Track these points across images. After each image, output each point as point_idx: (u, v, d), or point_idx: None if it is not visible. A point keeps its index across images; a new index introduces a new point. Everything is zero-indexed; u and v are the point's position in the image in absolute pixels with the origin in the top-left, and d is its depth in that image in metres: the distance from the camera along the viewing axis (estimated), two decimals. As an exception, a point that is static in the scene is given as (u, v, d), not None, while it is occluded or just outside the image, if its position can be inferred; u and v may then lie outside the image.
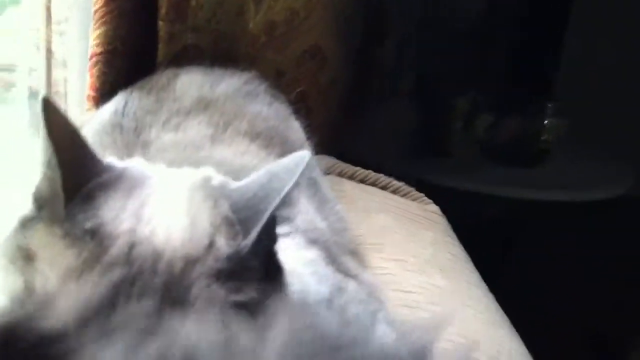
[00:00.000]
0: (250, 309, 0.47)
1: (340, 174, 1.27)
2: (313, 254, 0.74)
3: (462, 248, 1.23)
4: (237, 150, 0.84)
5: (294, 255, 0.67)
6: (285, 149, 0.90)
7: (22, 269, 0.47)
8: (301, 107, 1.20)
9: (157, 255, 0.47)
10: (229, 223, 0.51)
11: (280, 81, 1.19)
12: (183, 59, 1.11)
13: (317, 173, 0.98)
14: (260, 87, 0.99)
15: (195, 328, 0.44)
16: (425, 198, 1.28)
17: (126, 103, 0.91)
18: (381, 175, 1.29)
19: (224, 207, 0.52)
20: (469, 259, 1.22)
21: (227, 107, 0.90)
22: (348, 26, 1.28)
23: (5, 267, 0.48)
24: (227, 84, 0.95)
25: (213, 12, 1.09)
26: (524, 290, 1.84)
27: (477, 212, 1.94)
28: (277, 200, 0.50)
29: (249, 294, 0.48)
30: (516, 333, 1.09)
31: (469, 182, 1.88)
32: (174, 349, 0.42)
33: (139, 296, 0.45)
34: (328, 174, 1.26)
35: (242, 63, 1.11)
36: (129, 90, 0.96)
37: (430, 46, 1.89)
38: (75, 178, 0.50)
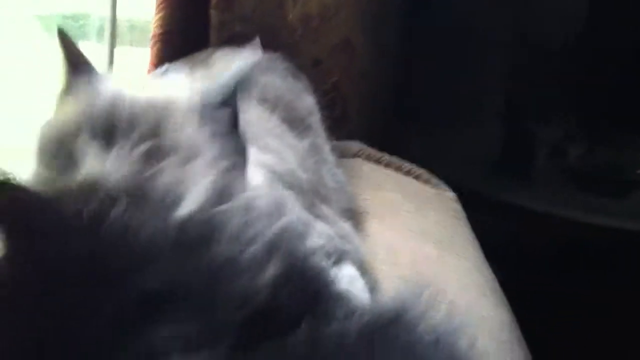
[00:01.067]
0: None
1: (367, 158, 1.39)
2: (284, 193, 0.84)
3: (471, 232, 1.31)
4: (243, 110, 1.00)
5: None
6: (290, 114, 1.05)
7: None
8: (336, 96, 1.35)
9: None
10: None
11: (316, 70, 1.33)
12: (232, 45, 1.29)
13: (320, 136, 1.11)
14: (280, 64, 1.15)
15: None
16: (444, 185, 1.37)
17: (167, 69, 1.10)
18: (405, 162, 1.40)
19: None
20: (476, 242, 1.29)
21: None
22: (377, 23, 1.40)
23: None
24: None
25: (257, 4, 1.26)
26: (609, 315, 1.82)
27: (559, 236, 1.97)
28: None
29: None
30: (507, 307, 1.16)
31: (553, 206, 1.91)
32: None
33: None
34: (355, 157, 1.40)
35: (283, 52, 1.28)
36: (176, 63, 1.15)
37: (522, 68, 1.94)
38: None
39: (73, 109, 0.64)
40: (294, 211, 0.79)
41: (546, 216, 1.90)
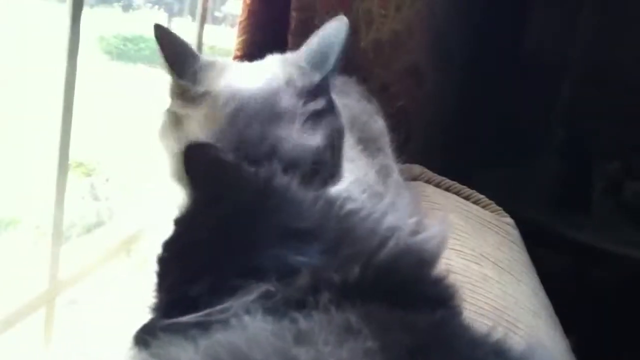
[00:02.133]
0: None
1: (428, 181, 1.44)
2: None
3: (528, 258, 1.34)
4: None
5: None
6: (364, 134, 1.11)
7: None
8: (401, 120, 1.41)
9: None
10: (302, 71, 0.82)
11: (384, 94, 1.40)
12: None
13: (389, 157, 1.17)
14: (354, 88, 1.21)
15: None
16: (503, 211, 1.41)
17: None
18: (465, 187, 1.44)
19: (297, 61, 0.84)
20: (533, 267, 1.33)
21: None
22: (446, 51, 1.46)
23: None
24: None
25: (332, 30, 1.32)
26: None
27: (614, 272, 1.99)
28: (338, 47, 0.84)
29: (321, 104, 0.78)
30: (562, 333, 1.19)
31: (608, 242, 1.94)
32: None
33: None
34: (416, 180, 1.45)
35: (355, 76, 1.34)
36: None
37: (586, 104, 1.99)
38: (180, 64, 0.81)
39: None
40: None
41: (604, 252, 1.91)
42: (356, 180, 0.84)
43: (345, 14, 1.35)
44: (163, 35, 0.83)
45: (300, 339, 0.48)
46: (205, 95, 0.78)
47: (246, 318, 0.50)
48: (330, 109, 0.84)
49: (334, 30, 0.88)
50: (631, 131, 2.03)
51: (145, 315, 0.56)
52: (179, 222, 0.63)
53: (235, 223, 0.59)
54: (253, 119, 0.75)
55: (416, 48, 1.40)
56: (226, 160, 0.65)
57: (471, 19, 1.68)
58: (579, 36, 1.96)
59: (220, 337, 0.48)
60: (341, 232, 0.59)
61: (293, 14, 1.28)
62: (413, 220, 0.94)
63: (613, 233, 1.97)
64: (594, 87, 1.96)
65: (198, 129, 0.75)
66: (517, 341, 0.65)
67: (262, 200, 0.60)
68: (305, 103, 0.78)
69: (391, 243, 0.57)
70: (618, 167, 2.09)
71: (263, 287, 0.52)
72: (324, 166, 0.75)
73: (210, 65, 0.84)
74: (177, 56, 0.82)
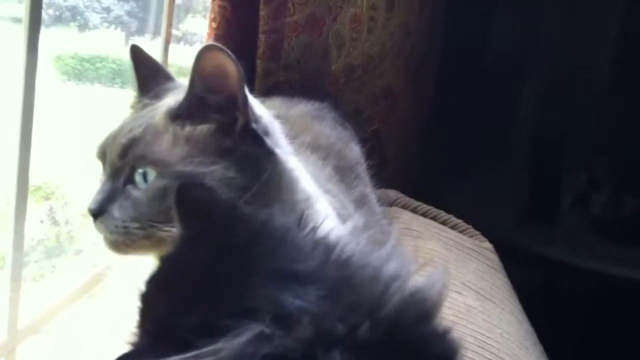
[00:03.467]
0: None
1: (404, 207, 1.41)
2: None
3: (509, 284, 1.31)
4: (299, 157, 1.02)
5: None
6: (340, 163, 1.07)
7: None
8: (375, 144, 1.37)
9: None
10: None
11: (357, 119, 1.36)
12: (275, 93, 1.32)
13: (367, 185, 1.13)
14: (329, 114, 1.18)
15: None
16: (481, 236, 1.38)
17: None
18: (442, 211, 1.41)
19: None
20: (514, 292, 1.30)
21: (297, 124, 1.08)
22: (418, 71, 1.43)
23: None
24: (300, 107, 1.14)
25: (302, 54, 1.29)
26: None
27: (582, 286, 1.97)
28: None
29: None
30: (545, 357, 1.16)
31: (577, 256, 1.91)
32: None
33: None
34: (392, 205, 1.41)
35: (326, 100, 1.31)
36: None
37: (551, 116, 1.96)
38: (147, 82, 0.81)
39: None
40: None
41: (572, 266, 1.90)
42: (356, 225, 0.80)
43: (316, 37, 1.33)
44: (137, 55, 0.83)
45: None
46: (147, 107, 0.78)
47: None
48: (226, 144, 0.76)
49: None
50: (597, 143, 2.02)
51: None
52: (166, 258, 0.58)
53: (227, 261, 0.54)
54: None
55: (389, 71, 1.37)
56: (221, 200, 0.60)
57: (441, 36, 1.66)
58: (542, 47, 1.96)
59: None
60: (341, 279, 0.54)
61: (261, 37, 1.24)
62: (414, 267, 0.90)
63: (581, 247, 1.96)
64: (558, 99, 1.96)
65: None
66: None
67: (258, 240, 0.56)
68: (178, 123, 0.74)
69: (394, 293, 0.53)
70: (585, 180, 2.08)
71: (256, 329, 0.47)
72: None
73: (175, 87, 0.81)
74: (147, 76, 0.83)
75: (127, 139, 0.73)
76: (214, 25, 1.23)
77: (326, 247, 0.56)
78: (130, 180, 0.72)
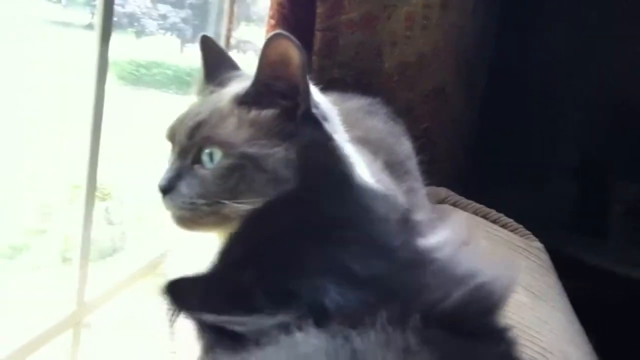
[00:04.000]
0: None
1: (454, 204, 1.42)
2: None
3: (560, 283, 1.31)
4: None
5: None
6: (390, 157, 1.09)
7: None
8: (426, 142, 1.39)
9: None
10: None
11: (409, 116, 1.38)
12: (329, 89, 1.35)
13: (417, 180, 1.15)
14: (381, 109, 1.20)
15: None
16: (532, 235, 1.38)
17: None
18: (493, 210, 1.41)
19: None
20: (564, 292, 1.30)
21: (349, 118, 1.11)
22: (469, 71, 1.44)
23: None
24: (354, 102, 1.17)
25: (356, 51, 1.32)
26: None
27: (632, 297, 1.95)
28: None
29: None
30: (593, 356, 1.16)
31: (626, 266, 1.90)
32: None
33: None
34: (443, 203, 1.42)
35: (379, 97, 1.33)
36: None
37: (601, 125, 1.97)
38: (213, 70, 0.85)
39: None
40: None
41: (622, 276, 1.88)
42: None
43: (370, 35, 1.36)
44: (207, 45, 0.88)
45: (355, 358, 0.46)
46: (213, 93, 0.82)
47: (298, 335, 0.48)
48: (288, 127, 0.79)
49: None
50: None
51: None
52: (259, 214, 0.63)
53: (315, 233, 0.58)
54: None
55: (441, 69, 1.38)
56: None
57: (492, 37, 1.67)
58: (591, 59, 1.95)
59: (270, 354, 0.46)
60: (414, 258, 0.58)
61: (317, 34, 1.28)
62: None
63: (631, 257, 1.94)
64: (609, 109, 1.95)
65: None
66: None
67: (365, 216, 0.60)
68: (245, 108, 0.77)
69: (456, 289, 0.55)
70: (635, 191, 2.06)
71: (285, 317, 0.50)
72: None
73: (239, 75, 0.86)
74: (214, 64, 0.87)
75: (194, 122, 0.77)
76: (272, 22, 1.27)
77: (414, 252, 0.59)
78: (197, 159, 0.76)
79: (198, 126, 0.77)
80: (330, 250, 0.56)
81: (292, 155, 0.73)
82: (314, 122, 0.77)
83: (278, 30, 0.75)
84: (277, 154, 0.73)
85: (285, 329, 0.49)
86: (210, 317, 0.50)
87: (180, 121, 0.79)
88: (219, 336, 0.51)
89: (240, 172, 0.73)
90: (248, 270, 0.54)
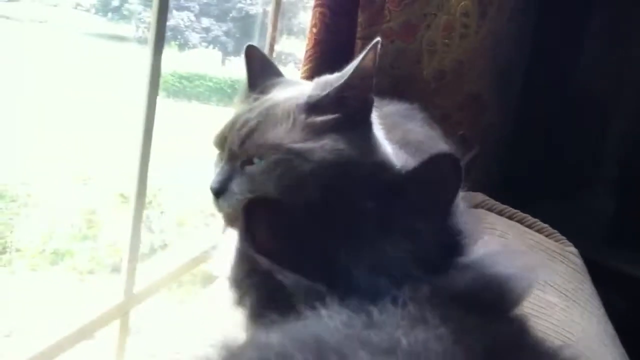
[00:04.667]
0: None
1: (490, 209, 1.44)
2: None
3: (593, 288, 1.32)
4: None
5: None
6: (428, 159, 1.13)
7: None
8: (462, 148, 1.41)
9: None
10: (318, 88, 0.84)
11: (445, 123, 1.41)
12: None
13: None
14: (418, 114, 1.24)
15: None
16: (567, 241, 1.40)
17: None
18: (528, 215, 1.43)
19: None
20: (598, 297, 1.31)
21: (388, 121, 1.15)
22: (505, 78, 1.47)
23: None
24: (392, 107, 1.21)
25: (395, 59, 1.36)
26: None
27: None
28: (352, 68, 0.83)
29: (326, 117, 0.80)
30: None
31: None
32: None
33: None
34: (478, 207, 1.44)
35: (416, 104, 1.37)
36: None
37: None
38: (256, 78, 0.89)
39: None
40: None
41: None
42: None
43: (409, 43, 1.40)
44: (251, 54, 0.91)
45: (372, 325, 0.50)
46: (257, 100, 0.86)
47: (322, 310, 0.53)
48: (341, 126, 0.82)
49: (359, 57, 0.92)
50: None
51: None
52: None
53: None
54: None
55: (478, 77, 1.41)
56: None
57: (528, 45, 1.69)
58: (632, 66, 1.95)
59: (298, 326, 0.51)
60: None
61: (358, 42, 1.32)
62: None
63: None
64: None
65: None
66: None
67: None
68: (308, 114, 0.81)
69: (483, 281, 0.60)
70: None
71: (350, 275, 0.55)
72: None
73: (281, 82, 0.91)
74: (257, 73, 0.91)
75: (246, 130, 0.81)
76: (314, 30, 1.32)
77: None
78: (247, 163, 0.80)
79: (250, 133, 0.81)
80: (365, 231, 0.60)
81: (340, 146, 0.77)
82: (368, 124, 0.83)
83: (375, 40, 0.79)
84: (325, 145, 0.77)
85: (317, 295, 0.53)
86: (266, 263, 0.54)
87: (230, 128, 0.84)
88: (260, 300, 0.56)
89: (287, 164, 0.77)
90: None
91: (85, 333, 0.96)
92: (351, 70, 0.80)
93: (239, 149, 0.80)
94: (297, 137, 0.79)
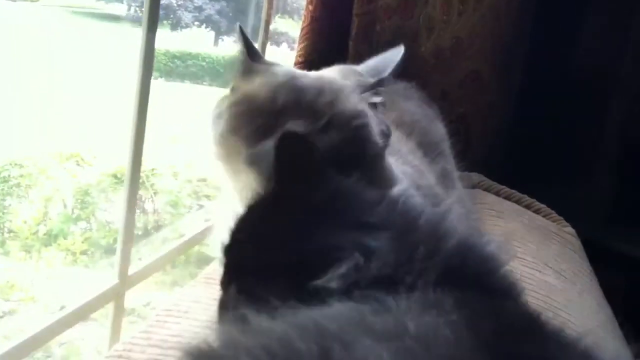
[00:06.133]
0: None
1: (487, 189, 1.43)
2: None
3: (591, 268, 1.32)
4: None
5: None
6: (424, 139, 1.11)
7: None
8: (460, 127, 1.40)
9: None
10: (359, 75, 0.90)
11: (444, 101, 1.40)
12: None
13: (450, 162, 1.16)
14: (415, 93, 1.22)
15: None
16: (564, 221, 1.39)
17: None
18: (525, 195, 1.42)
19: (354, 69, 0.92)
20: (595, 278, 1.30)
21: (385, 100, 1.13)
22: (506, 57, 1.45)
23: None
24: (388, 86, 1.19)
25: (393, 37, 1.34)
26: None
27: None
28: (393, 63, 0.91)
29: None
30: (625, 343, 1.16)
31: None
32: None
33: None
34: (475, 188, 1.44)
35: (414, 82, 1.35)
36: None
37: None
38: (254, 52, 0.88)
39: (261, 86, 0.82)
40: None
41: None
42: (414, 183, 0.89)
43: (407, 20, 1.38)
44: (244, 32, 0.90)
45: (378, 311, 0.49)
46: (268, 67, 0.86)
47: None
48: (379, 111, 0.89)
49: (391, 54, 0.97)
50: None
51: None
52: (259, 203, 0.66)
53: (314, 214, 0.62)
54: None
55: (477, 54, 1.40)
56: (314, 159, 0.68)
57: (529, 23, 1.66)
58: (635, 50, 1.93)
59: (303, 314, 0.50)
60: (406, 224, 0.62)
61: (355, 20, 1.30)
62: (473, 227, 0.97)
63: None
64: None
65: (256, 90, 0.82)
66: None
67: (336, 199, 0.64)
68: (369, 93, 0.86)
69: (454, 238, 0.60)
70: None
71: (352, 261, 0.54)
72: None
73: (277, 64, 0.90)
74: (252, 47, 0.89)
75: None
76: (310, 7, 1.30)
77: (390, 201, 0.65)
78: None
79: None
80: (344, 214, 0.62)
81: None
82: None
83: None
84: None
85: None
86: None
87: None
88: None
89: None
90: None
91: (79, 316, 0.95)
92: (393, 64, 0.90)
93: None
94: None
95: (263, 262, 0.59)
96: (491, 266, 0.61)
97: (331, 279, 0.53)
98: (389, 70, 0.92)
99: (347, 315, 0.48)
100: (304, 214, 0.62)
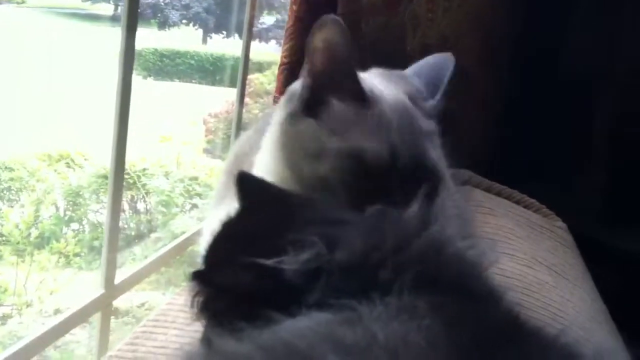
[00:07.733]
0: None
1: (477, 186, 1.42)
2: None
3: (583, 263, 1.31)
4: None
5: None
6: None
7: None
8: (449, 124, 1.39)
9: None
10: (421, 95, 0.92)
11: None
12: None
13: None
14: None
15: None
16: (554, 215, 1.38)
17: None
18: (515, 191, 1.42)
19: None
20: (588, 272, 1.30)
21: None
22: (494, 54, 1.44)
23: None
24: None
25: (379, 35, 1.33)
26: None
27: None
28: (446, 80, 0.94)
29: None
30: (619, 337, 1.16)
31: None
32: None
33: None
34: (465, 185, 1.43)
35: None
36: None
37: (633, 109, 1.93)
38: None
39: None
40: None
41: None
42: None
43: (392, 18, 1.37)
44: None
45: (348, 320, 0.48)
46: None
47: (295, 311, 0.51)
48: None
49: (443, 63, 0.99)
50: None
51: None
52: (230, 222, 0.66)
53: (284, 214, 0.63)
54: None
55: (464, 51, 1.38)
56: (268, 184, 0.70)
57: (518, 20, 1.66)
58: (624, 44, 1.92)
59: (270, 333, 0.49)
60: (377, 222, 0.61)
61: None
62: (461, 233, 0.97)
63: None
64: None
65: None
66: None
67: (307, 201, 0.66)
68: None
69: (428, 237, 0.58)
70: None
71: (314, 249, 0.54)
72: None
73: None
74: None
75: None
76: (294, 7, 1.28)
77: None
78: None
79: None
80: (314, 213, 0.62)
81: None
82: None
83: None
84: None
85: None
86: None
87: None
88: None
89: None
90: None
91: (65, 329, 0.93)
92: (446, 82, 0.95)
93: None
94: None
95: (228, 281, 0.58)
96: (470, 270, 0.60)
97: (289, 262, 0.52)
98: (442, 90, 0.95)
99: (316, 330, 0.47)
100: (266, 226, 0.63)
